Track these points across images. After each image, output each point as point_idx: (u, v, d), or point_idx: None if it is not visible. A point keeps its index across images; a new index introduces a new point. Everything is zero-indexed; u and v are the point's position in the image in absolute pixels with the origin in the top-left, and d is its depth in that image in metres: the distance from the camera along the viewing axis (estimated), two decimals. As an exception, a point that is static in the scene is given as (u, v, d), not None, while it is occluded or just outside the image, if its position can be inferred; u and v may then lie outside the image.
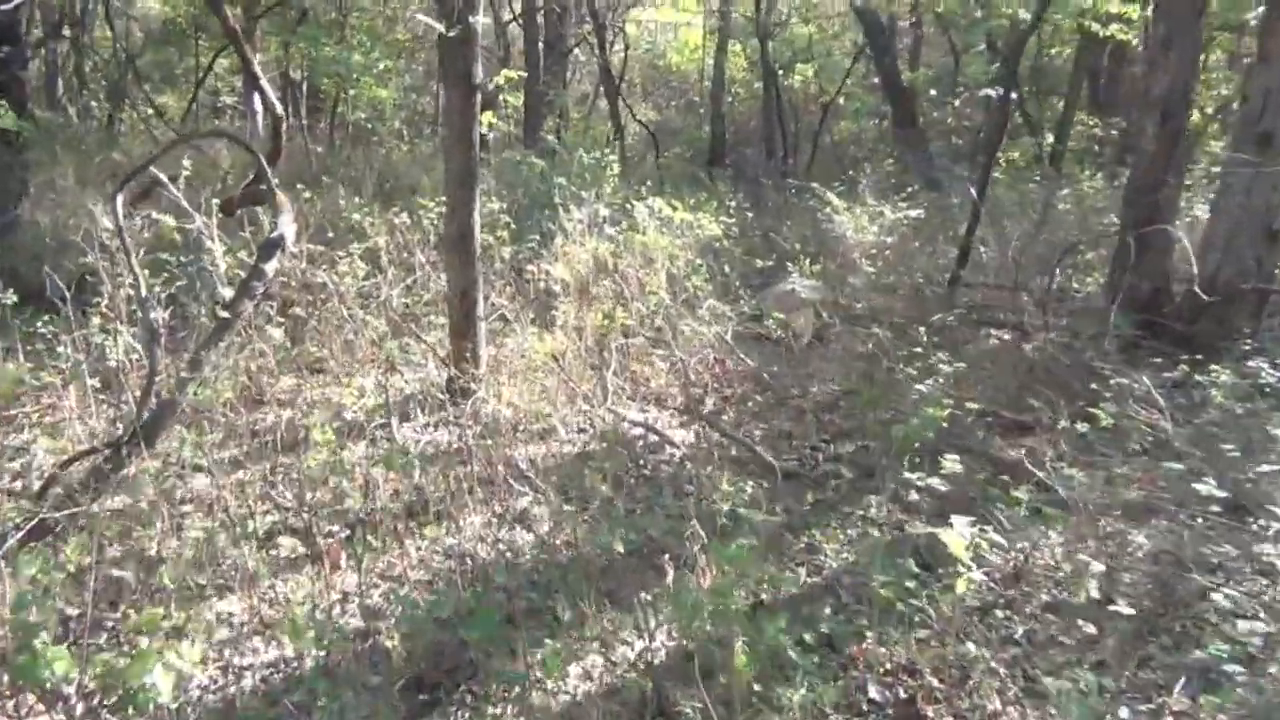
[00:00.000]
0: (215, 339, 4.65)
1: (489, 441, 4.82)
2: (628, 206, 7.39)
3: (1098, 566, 3.52)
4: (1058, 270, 7.83)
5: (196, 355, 4.58)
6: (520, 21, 16.43)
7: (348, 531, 4.05)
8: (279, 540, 3.97)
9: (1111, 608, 3.42)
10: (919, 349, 5.90)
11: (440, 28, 5.08)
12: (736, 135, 19.88)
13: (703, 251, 7.01)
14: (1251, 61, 6.19)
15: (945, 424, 4.35)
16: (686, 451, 5.01)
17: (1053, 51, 17.12)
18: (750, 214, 8.60)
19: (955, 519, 2.99)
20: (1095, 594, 3.39)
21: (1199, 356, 5.82)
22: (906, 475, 4.48)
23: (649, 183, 8.21)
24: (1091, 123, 15.41)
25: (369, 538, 3.96)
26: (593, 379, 5.64)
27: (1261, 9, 6.13)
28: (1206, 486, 3.74)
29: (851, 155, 19.00)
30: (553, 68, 15.11)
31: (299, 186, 7.93)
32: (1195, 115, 10.15)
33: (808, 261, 8.08)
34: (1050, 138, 15.59)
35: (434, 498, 4.29)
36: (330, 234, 6.55)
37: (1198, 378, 4.86)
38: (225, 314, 4.66)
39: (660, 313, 5.96)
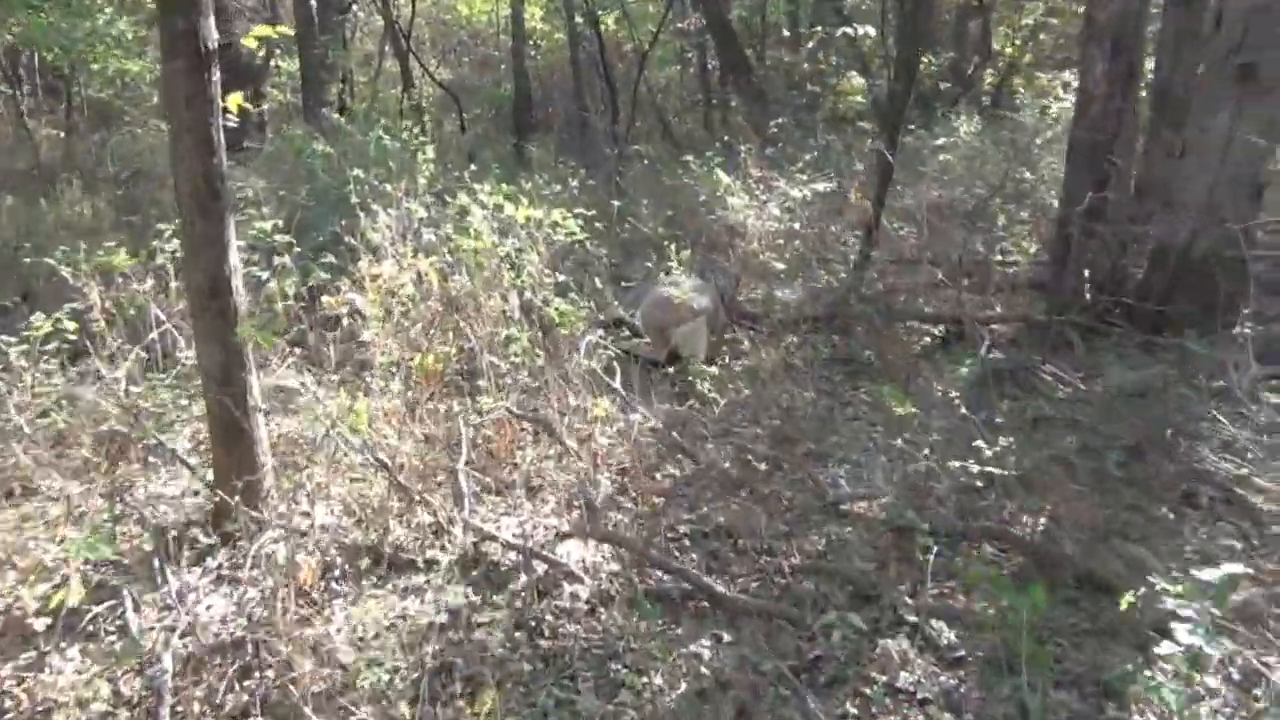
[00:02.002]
0: None
1: (284, 618, 3.04)
2: (447, 200, 5.51)
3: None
4: (978, 242, 6.62)
5: None
6: (287, -26, 14.07)
7: None
8: None
9: None
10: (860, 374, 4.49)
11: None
12: (540, 91, 18.08)
13: (558, 258, 5.27)
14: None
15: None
16: (594, 586, 3.37)
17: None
18: (599, 193, 6.91)
19: None
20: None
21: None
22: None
23: (473, 166, 6.34)
24: (927, 61, 14.42)
25: None
26: (436, 469, 3.88)
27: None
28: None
29: (660, 105, 17.53)
30: (330, 26, 12.91)
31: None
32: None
33: (673, 248, 6.47)
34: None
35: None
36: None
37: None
38: None
39: (524, 365, 4.23)
